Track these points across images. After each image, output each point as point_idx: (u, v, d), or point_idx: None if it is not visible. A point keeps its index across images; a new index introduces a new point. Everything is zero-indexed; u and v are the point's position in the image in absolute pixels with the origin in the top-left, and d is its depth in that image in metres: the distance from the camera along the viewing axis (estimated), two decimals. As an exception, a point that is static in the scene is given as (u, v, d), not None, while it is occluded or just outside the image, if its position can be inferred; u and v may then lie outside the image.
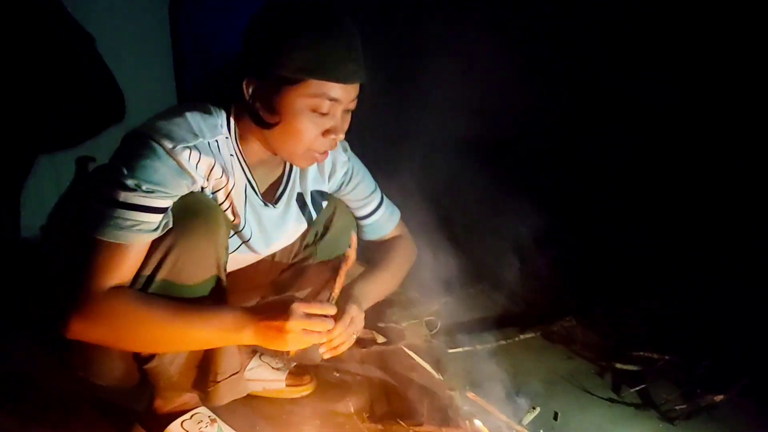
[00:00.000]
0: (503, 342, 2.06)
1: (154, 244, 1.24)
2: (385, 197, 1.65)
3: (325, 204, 1.58)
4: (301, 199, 1.51)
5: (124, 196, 1.19)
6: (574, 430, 1.65)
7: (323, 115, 1.29)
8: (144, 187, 1.19)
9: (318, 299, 1.41)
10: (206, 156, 1.28)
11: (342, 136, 1.32)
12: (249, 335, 1.25)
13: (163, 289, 1.25)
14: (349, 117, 1.34)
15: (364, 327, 1.99)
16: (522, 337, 2.11)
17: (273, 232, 1.48)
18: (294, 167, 1.48)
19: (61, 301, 1.20)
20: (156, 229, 1.22)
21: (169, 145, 1.23)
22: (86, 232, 1.20)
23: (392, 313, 2.21)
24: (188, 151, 1.25)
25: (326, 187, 1.56)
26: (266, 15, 1.27)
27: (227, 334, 1.25)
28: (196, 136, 1.27)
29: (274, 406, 1.69)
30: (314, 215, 1.55)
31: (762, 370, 1.87)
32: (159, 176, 1.21)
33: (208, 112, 1.32)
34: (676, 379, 1.88)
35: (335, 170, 1.55)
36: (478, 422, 1.53)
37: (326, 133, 1.31)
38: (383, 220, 1.64)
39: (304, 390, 1.75)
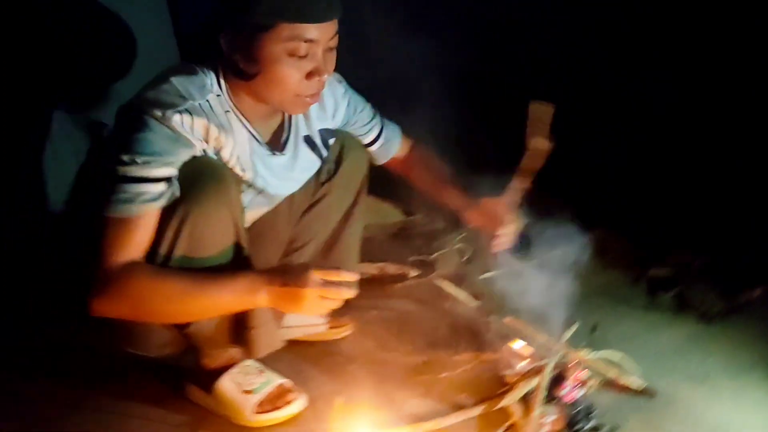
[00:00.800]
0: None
1: (167, 218, 1.25)
2: (383, 118, 1.69)
3: (332, 141, 1.59)
4: (310, 141, 1.52)
5: (123, 171, 1.20)
6: (613, 340, 1.66)
7: (302, 57, 1.26)
8: (140, 160, 1.20)
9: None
10: (199, 117, 1.27)
11: (326, 76, 1.30)
12: (265, 298, 1.27)
13: (185, 261, 1.27)
14: (333, 55, 1.31)
15: (395, 263, 2.05)
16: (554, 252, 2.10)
17: (286, 177, 1.49)
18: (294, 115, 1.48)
19: (84, 281, 1.24)
20: (159, 198, 1.23)
21: (158, 113, 1.22)
22: (94, 212, 1.22)
23: (421, 245, 2.23)
24: (179, 115, 1.24)
25: (332, 124, 1.57)
26: None
27: (244, 298, 1.27)
28: (185, 99, 1.26)
29: (318, 349, 1.73)
30: (325, 153, 1.56)
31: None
32: (153, 146, 1.21)
33: (195, 73, 1.30)
34: (711, 280, 1.88)
35: (338, 106, 1.56)
36: (517, 344, 1.55)
37: (309, 75, 1.28)
38: (389, 139, 1.69)
39: (345, 330, 1.78)
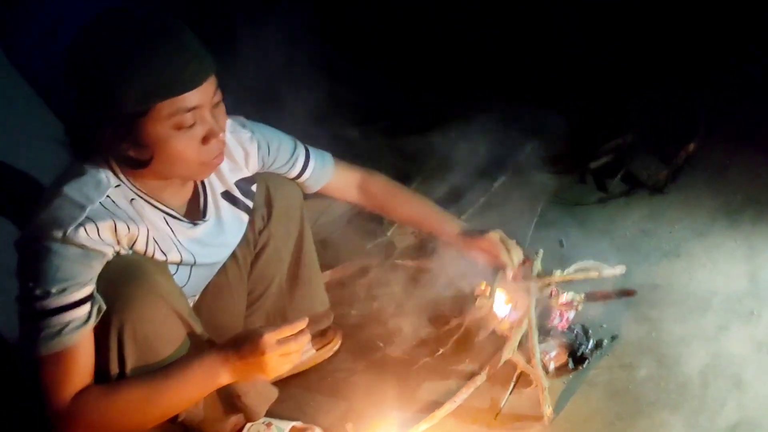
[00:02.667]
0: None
1: (104, 335, 1.19)
2: (309, 147, 1.58)
3: (254, 187, 1.52)
4: (230, 197, 1.44)
5: (41, 306, 1.13)
6: (581, 245, 1.67)
7: (192, 126, 1.18)
8: (54, 290, 1.12)
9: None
10: (103, 221, 1.18)
11: (223, 134, 1.22)
12: (227, 377, 1.22)
13: (141, 370, 1.21)
14: (221, 109, 1.22)
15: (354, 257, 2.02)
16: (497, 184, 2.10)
17: (217, 243, 1.43)
18: (205, 180, 1.41)
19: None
20: (88, 320, 1.16)
21: (58, 234, 1.14)
22: (28, 356, 1.15)
23: (374, 227, 2.20)
24: (82, 228, 1.16)
25: (248, 173, 1.49)
26: (79, 58, 1.15)
27: (206, 384, 1.23)
28: (83, 207, 1.17)
29: (316, 374, 1.70)
30: (250, 204, 1.50)
31: (715, 103, 1.89)
32: (64, 272, 1.13)
33: (86, 173, 1.21)
34: (647, 150, 1.90)
35: (248, 152, 1.45)
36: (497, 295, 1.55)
37: (205, 140, 1.20)
38: (318, 168, 1.57)
39: (334, 345, 1.76)
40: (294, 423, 1.50)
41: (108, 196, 1.22)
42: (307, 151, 1.55)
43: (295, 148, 1.53)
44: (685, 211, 1.63)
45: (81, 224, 1.15)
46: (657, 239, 1.59)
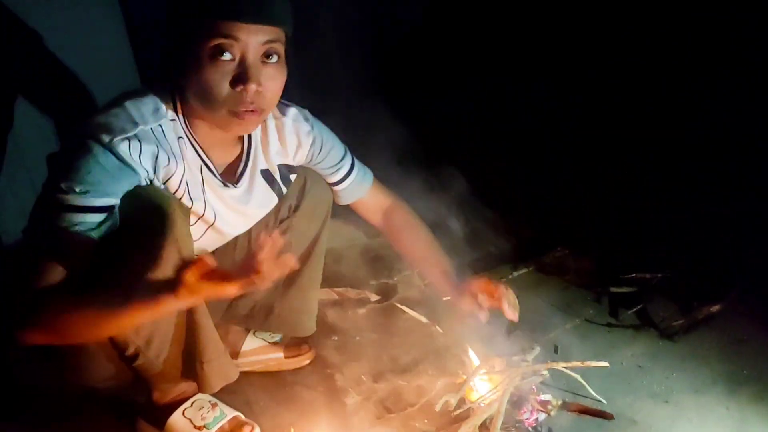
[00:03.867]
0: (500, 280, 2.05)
1: (110, 251, 1.20)
2: (355, 159, 1.60)
3: (293, 177, 1.54)
4: (268, 176, 1.46)
5: (60, 200, 1.14)
6: (575, 359, 1.63)
7: (228, 62, 1.17)
8: (77, 189, 1.14)
9: None
10: (148, 144, 1.21)
11: (254, 86, 1.19)
12: (171, 305, 1.12)
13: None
14: (273, 71, 1.22)
15: (357, 287, 2.01)
16: (516, 274, 2.10)
17: (239, 211, 1.44)
18: (253, 145, 1.42)
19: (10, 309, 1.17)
20: (95, 228, 1.16)
21: (105, 138, 1.17)
22: (26, 237, 1.17)
23: (383, 267, 2.19)
24: (127, 142, 1.18)
25: (292, 161, 1.51)
26: None
27: (167, 293, 1.10)
28: (135, 124, 1.21)
29: (276, 379, 1.68)
30: (284, 189, 1.51)
31: (752, 276, 1.87)
32: (92, 176, 1.15)
33: (149, 97, 1.25)
34: (671, 296, 1.88)
35: (301, 144, 1.48)
36: (478, 369, 1.52)
37: (235, 83, 1.18)
38: (357, 182, 1.58)
39: (304, 359, 1.74)
40: (237, 413, 1.47)
41: (161, 125, 1.25)
42: (352, 163, 1.58)
43: (343, 157, 1.56)
44: (688, 364, 1.59)
45: (128, 139, 1.19)
46: (651, 379, 1.55)
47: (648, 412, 1.44)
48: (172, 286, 1.10)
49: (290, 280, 1.63)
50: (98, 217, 1.17)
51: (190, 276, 1.08)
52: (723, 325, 1.73)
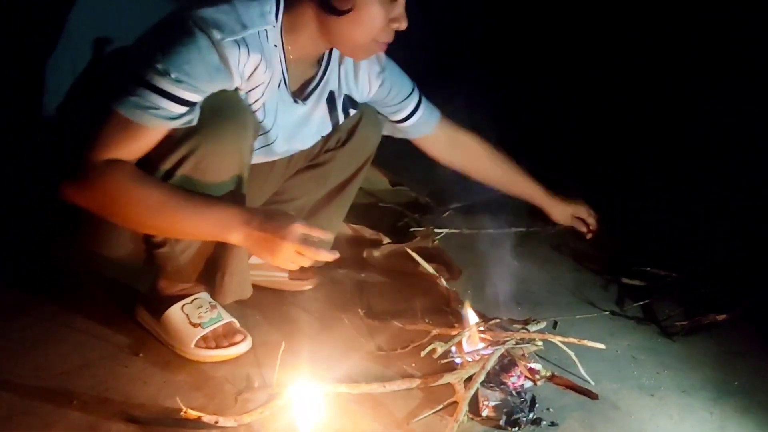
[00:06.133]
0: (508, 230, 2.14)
1: (179, 142, 1.20)
2: (423, 97, 1.65)
3: (353, 113, 1.55)
4: (332, 101, 1.47)
5: (151, 78, 1.14)
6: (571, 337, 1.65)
7: (393, 1, 1.25)
8: (173, 75, 1.14)
9: None
10: (254, 53, 1.22)
11: (405, 24, 1.28)
12: (238, 238, 1.22)
13: (182, 184, 1.23)
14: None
15: (372, 228, 2.02)
16: (526, 229, 2.16)
17: (296, 131, 1.45)
18: (330, 68, 1.43)
19: (65, 163, 1.19)
20: (174, 119, 1.17)
21: (217, 35, 1.16)
22: (105, 102, 1.16)
23: (402, 216, 2.20)
24: (237, 47, 1.18)
25: (358, 97, 1.52)
26: None
27: (216, 231, 1.23)
28: (245, 27, 1.20)
29: (275, 297, 1.71)
30: (341, 119, 1.52)
31: (765, 293, 1.85)
32: (191, 68, 1.15)
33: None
34: (680, 297, 1.86)
35: (371, 84, 1.53)
36: (471, 317, 1.53)
37: (392, 21, 1.27)
38: (423, 119, 1.65)
39: (306, 284, 1.76)
40: (233, 320, 1.50)
41: (266, 30, 1.25)
42: (419, 101, 1.62)
43: (409, 94, 1.61)
44: (681, 365, 1.59)
45: (237, 42, 1.19)
46: (641, 371, 1.55)
47: (632, 401, 1.44)
48: (236, 227, 1.20)
49: (313, 210, 1.66)
50: (181, 109, 1.18)
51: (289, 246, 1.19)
52: (724, 335, 1.71)
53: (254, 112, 1.32)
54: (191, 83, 1.17)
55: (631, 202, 2.34)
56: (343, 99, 1.50)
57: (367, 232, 2.02)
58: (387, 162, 2.39)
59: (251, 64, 1.23)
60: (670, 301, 1.85)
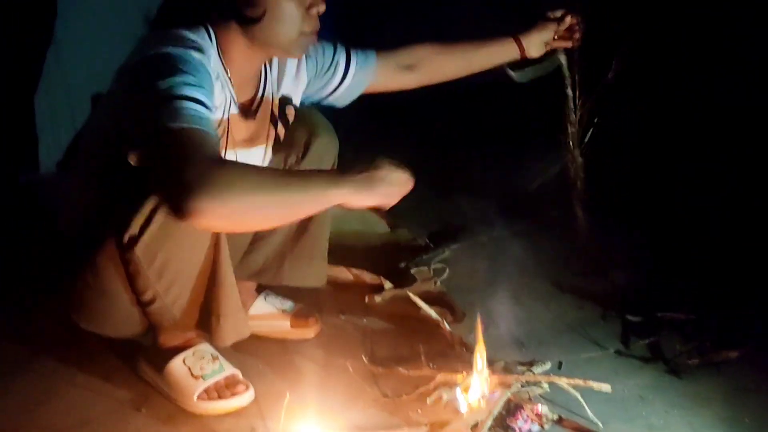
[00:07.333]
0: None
1: (143, 195, 1.21)
2: (351, 49, 1.62)
3: (289, 110, 1.55)
4: (280, 109, 1.51)
5: (181, 90, 1.13)
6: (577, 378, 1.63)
7: None
8: (192, 81, 1.15)
9: None
10: (213, 72, 1.27)
11: (323, 7, 1.31)
12: (346, 188, 1.18)
13: (158, 239, 1.24)
14: None
15: (372, 272, 2.02)
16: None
17: (249, 150, 1.47)
18: (268, 79, 1.47)
19: (169, 187, 1.09)
20: (207, 120, 1.15)
21: (196, 55, 1.21)
22: (161, 127, 1.10)
23: (402, 259, 2.20)
24: (209, 61, 1.24)
25: (298, 85, 1.55)
26: None
27: (326, 192, 1.18)
28: (202, 50, 1.24)
29: (278, 347, 1.70)
30: (289, 121, 1.55)
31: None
32: (200, 76, 1.18)
33: (193, 31, 1.28)
34: (688, 334, 1.84)
35: (304, 69, 1.55)
36: (480, 364, 1.51)
37: (310, 8, 1.29)
38: (360, 67, 1.61)
39: (309, 332, 1.75)
40: (236, 371, 1.49)
41: (211, 56, 1.28)
42: (347, 52, 1.60)
43: (335, 51, 1.59)
44: (690, 403, 1.56)
45: (209, 58, 1.25)
46: (650, 411, 1.53)
47: (641, 443, 1.42)
48: (341, 180, 1.20)
49: (300, 229, 1.66)
50: (208, 112, 1.16)
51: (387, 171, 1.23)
52: (733, 371, 1.69)
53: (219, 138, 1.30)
54: (205, 91, 1.17)
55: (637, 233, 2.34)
56: (284, 102, 1.53)
57: (368, 277, 2.01)
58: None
59: (217, 84, 1.26)
60: (677, 337, 1.82)
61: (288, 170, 1.28)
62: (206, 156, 1.09)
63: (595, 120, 1.55)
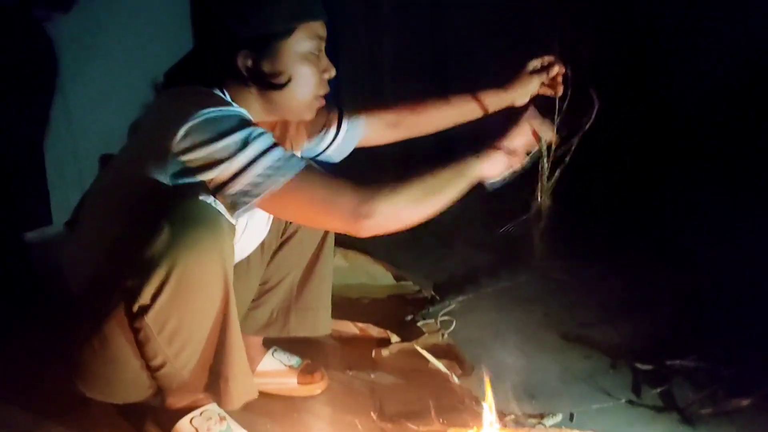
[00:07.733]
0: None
1: (153, 265, 1.20)
2: (342, 108, 1.64)
3: None
4: None
5: (262, 146, 1.22)
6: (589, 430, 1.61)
7: (317, 56, 1.32)
8: (260, 131, 1.23)
9: None
10: None
11: (334, 71, 1.36)
12: (480, 164, 1.33)
13: (168, 308, 1.24)
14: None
15: (379, 327, 2.01)
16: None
17: (261, 223, 1.50)
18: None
19: (340, 210, 1.24)
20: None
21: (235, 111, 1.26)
22: (294, 176, 1.22)
23: (408, 311, 2.19)
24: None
25: (301, 145, 1.58)
26: None
27: (470, 173, 1.32)
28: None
29: (285, 404, 1.68)
30: None
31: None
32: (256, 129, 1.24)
33: (213, 91, 1.31)
34: (699, 381, 1.81)
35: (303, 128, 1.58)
36: (490, 418, 1.49)
37: (323, 72, 1.34)
38: (352, 117, 1.63)
39: (316, 388, 1.74)
40: (243, 431, 1.47)
41: None
42: (339, 113, 1.62)
43: (328, 112, 1.61)
44: (705, 455, 1.54)
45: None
46: (665, 463, 1.51)
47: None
48: (489, 154, 1.35)
49: (303, 280, 1.68)
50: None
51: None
52: (745, 420, 1.66)
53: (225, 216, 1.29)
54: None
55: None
56: None
57: (375, 331, 2.00)
58: (390, 256, 2.42)
59: None
60: (688, 385, 1.80)
61: (434, 171, 1.32)
62: (348, 191, 1.24)
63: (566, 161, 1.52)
